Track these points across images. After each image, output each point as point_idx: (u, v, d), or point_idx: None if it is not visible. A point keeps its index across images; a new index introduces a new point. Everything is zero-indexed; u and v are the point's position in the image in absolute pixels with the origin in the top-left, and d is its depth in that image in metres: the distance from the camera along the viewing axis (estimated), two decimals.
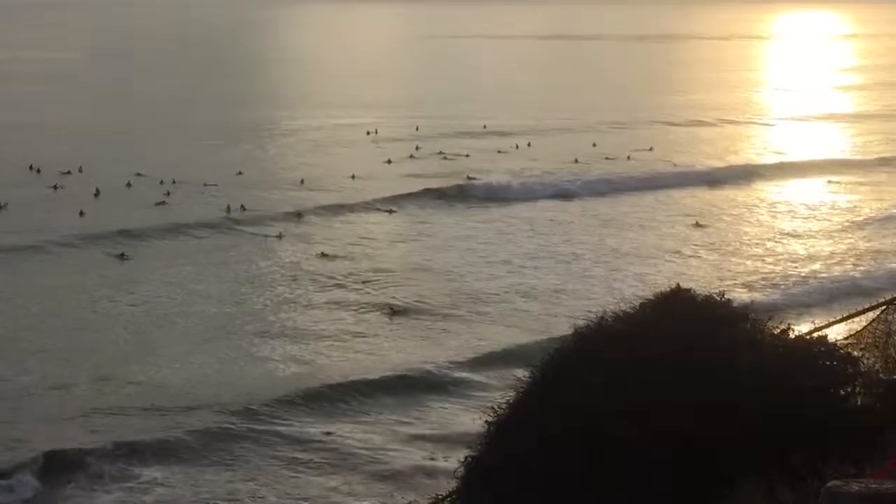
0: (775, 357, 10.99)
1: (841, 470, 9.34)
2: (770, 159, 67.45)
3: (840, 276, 39.87)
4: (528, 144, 69.76)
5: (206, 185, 53.81)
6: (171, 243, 43.71)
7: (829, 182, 59.64)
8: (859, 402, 11.03)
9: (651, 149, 68.92)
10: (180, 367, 29.91)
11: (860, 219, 50.07)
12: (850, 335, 12.63)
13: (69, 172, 56.09)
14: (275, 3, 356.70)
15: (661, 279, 34.97)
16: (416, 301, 36.13)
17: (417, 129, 74.28)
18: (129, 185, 53.66)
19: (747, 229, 47.89)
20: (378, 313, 34.93)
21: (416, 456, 24.80)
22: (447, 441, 24.70)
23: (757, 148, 72.86)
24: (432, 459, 24.43)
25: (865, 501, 7.51)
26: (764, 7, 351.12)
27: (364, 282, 38.38)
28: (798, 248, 44.36)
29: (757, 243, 45.01)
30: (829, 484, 7.78)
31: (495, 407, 11.86)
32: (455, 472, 12.36)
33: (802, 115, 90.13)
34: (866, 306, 13.31)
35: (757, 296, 36.28)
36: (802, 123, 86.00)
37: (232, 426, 25.99)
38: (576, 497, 10.50)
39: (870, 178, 61.83)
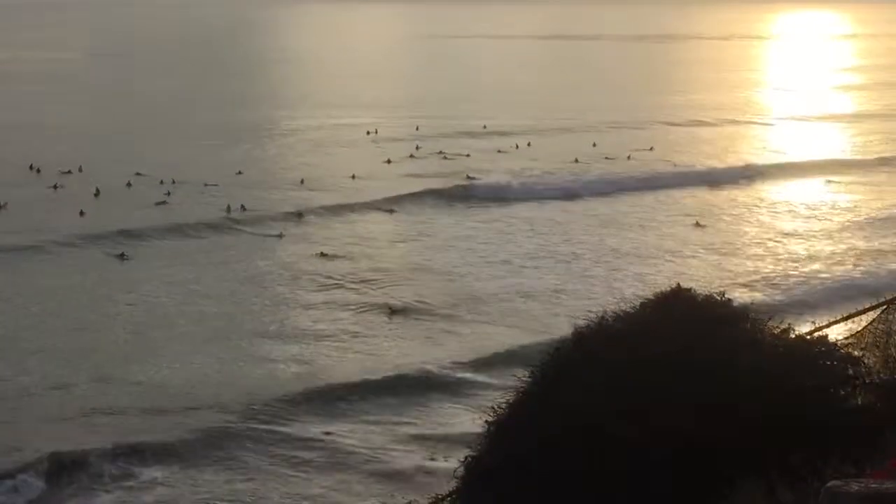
0: (775, 357, 10.99)
1: (841, 470, 9.34)
2: (770, 159, 67.43)
3: (840, 276, 39.87)
4: (528, 144, 69.77)
5: (206, 184, 53.82)
6: (171, 243, 43.71)
7: (829, 182, 59.65)
8: (859, 402, 11.02)
9: (651, 149, 68.93)
10: (180, 366, 29.91)
11: (860, 219, 50.08)
12: (851, 335, 12.62)
13: (69, 172, 56.11)
14: (275, 3, 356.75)
15: (661, 279, 34.96)
16: (416, 301, 36.14)
17: (417, 129, 74.29)
18: (129, 184, 53.67)
19: (747, 229, 47.90)
20: (378, 313, 34.94)
21: (416, 456, 24.80)
22: (447, 441, 24.70)
23: (757, 148, 72.85)
24: (432, 459, 24.43)
25: (865, 501, 7.50)
26: (764, 7, 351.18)
27: (364, 281, 38.38)
28: (798, 248, 44.36)
29: (757, 243, 45.02)
30: (829, 484, 7.78)
31: (495, 407, 11.86)
32: (455, 472, 12.35)
33: (802, 115, 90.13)
34: (866, 306, 13.29)
35: (757, 296, 36.32)
36: (802, 123, 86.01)
37: (232, 426, 26.00)
38: (576, 497, 10.50)
39: (870, 178, 61.83)
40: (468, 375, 29.54)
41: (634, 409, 10.42)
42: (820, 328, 12.80)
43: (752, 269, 40.93)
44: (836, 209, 52.30)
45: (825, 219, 50.01)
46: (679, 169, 62.56)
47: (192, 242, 44.22)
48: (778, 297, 36.61)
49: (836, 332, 12.92)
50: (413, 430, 26.27)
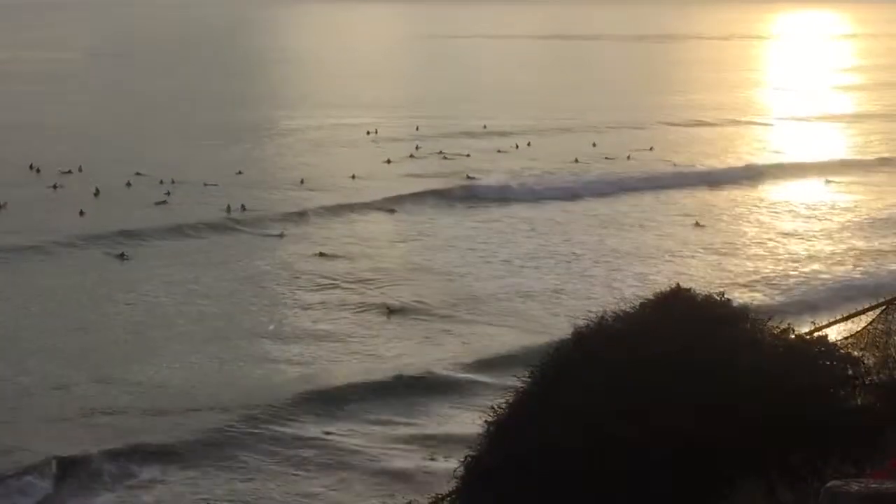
0: (775, 357, 11.00)
1: (841, 470, 9.34)
2: (770, 159, 67.39)
3: (840, 276, 39.85)
4: (528, 144, 69.76)
5: (206, 184, 53.81)
6: (171, 243, 43.69)
7: (829, 182, 59.63)
8: (859, 402, 11.03)
9: (651, 149, 68.92)
10: (180, 366, 29.90)
11: (860, 219, 50.06)
12: (850, 335, 12.62)
13: (69, 172, 56.11)
14: (275, 3, 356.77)
15: (661, 279, 34.97)
16: (415, 301, 36.12)
17: (417, 129, 74.29)
18: (128, 184, 53.66)
19: (747, 229, 47.88)
20: (378, 313, 34.92)
21: (416, 456, 24.79)
22: (447, 441, 24.68)
23: (757, 148, 72.82)
24: (432, 459, 24.42)
25: (865, 501, 7.51)
26: (764, 7, 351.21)
27: (364, 282, 38.37)
28: (798, 248, 44.34)
29: (757, 243, 45.00)
30: (829, 484, 7.78)
31: (495, 407, 11.86)
32: (455, 471, 12.36)
33: (802, 115, 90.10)
34: (866, 306, 13.29)
35: (757, 296, 36.33)
36: (802, 123, 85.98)
37: (231, 426, 25.99)
38: (576, 497, 10.50)
39: (870, 178, 61.82)
40: (468, 375, 29.51)
41: (634, 409, 10.42)
42: (820, 328, 12.81)
43: (751, 269, 40.91)
44: (836, 209, 52.29)
45: (825, 219, 50.00)
46: (679, 169, 62.54)
47: (192, 242, 44.21)
48: (778, 298, 36.61)
49: (836, 333, 12.92)
50: (413, 430, 26.26)
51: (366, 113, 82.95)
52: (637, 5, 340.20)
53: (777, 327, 11.65)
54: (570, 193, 55.61)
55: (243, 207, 49.13)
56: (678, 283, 12.17)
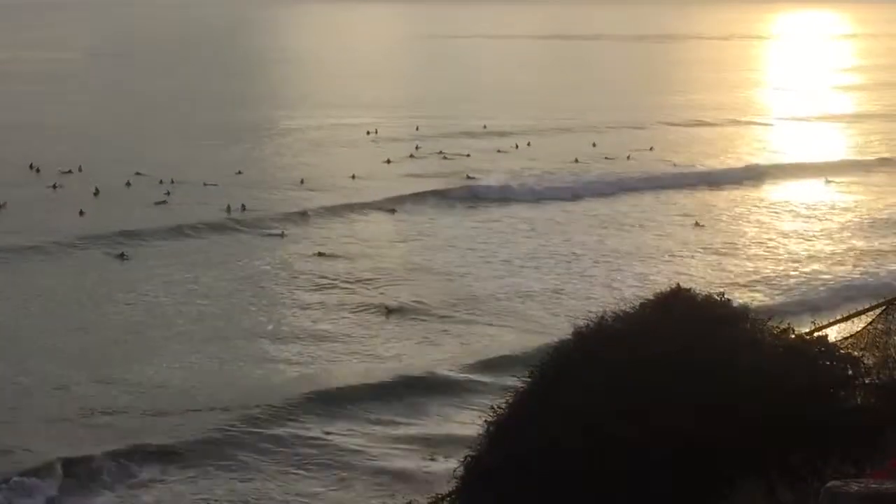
0: (775, 357, 11.00)
1: (841, 470, 9.35)
2: (770, 159, 67.38)
3: (840, 276, 39.85)
4: (528, 144, 69.75)
5: (205, 184, 53.80)
6: (171, 243, 43.68)
7: (829, 182, 59.62)
8: (859, 402, 11.03)
9: (651, 149, 68.92)
10: (180, 367, 29.90)
11: (860, 219, 50.06)
12: (850, 335, 12.62)
13: (69, 172, 56.10)
14: (275, 3, 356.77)
15: (661, 279, 34.98)
16: (415, 301, 36.12)
17: (417, 129, 74.28)
18: (128, 184, 53.65)
19: (747, 229, 47.88)
20: (377, 314, 34.91)
21: (416, 456, 24.79)
22: (447, 441, 24.68)
23: (757, 148, 72.82)
24: (432, 459, 24.42)
25: (865, 501, 7.51)
26: (764, 7, 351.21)
27: (363, 282, 38.36)
28: (798, 248, 44.34)
29: (757, 243, 45.00)
30: (829, 484, 7.78)
31: (495, 407, 11.86)
32: (455, 471, 12.36)
33: (802, 115, 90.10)
34: (866, 306, 13.29)
35: (757, 296, 36.34)
36: (802, 123, 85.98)
37: (231, 426, 25.98)
38: (576, 497, 10.50)
39: (870, 178, 61.82)
40: (468, 375, 29.50)
41: (634, 409, 10.43)
42: (820, 328, 12.80)
43: (751, 269, 40.91)
44: (836, 209, 52.29)
45: (825, 219, 50.00)
46: (679, 169, 62.53)
47: (192, 242, 44.20)
48: (778, 298, 36.61)
49: (836, 333, 12.92)
50: (413, 430, 26.26)
51: (366, 113, 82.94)
52: (637, 5, 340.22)
53: (777, 327, 11.66)
54: (570, 193, 55.60)
55: (243, 207, 49.13)
56: (678, 283, 12.17)
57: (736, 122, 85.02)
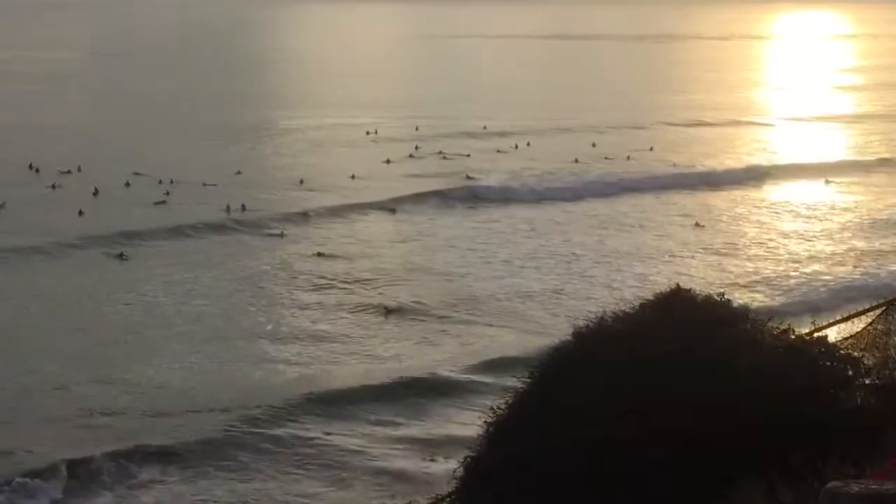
0: (775, 357, 11.00)
1: (841, 470, 9.35)
2: (770, 159, 67.36)
3: (841, 276, 39.84)
4: (528, 144, 69.74)
5: (205, 184, 53.77)
6: (171, 243, 43.66)
7: (829, 182, 59.61)
8: (859, 403, 11.03)
9: (651, 149, 68.91)
10: (179, 367, 29.89)
11: (860, 219, 50.05)
12: (851, 336, 12.62)
13: (68, 172, 56.07)
14: (275, 3, 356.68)
15: (660, 279, 34.97)
16: (414, 301, 36.10)
17: (417, 129, 74.26)
18: (127, 184, 53.62)
19: (747, 229, 47.88)
20: (377, 314, 34.90)
21: (416, 456, 24.78)
22: (447, 442, 24.68)
23: (757, 148, 72.79)
24: (432, 460, 24.42)
25: (865, 502, 7.50)
26: (764, 7, 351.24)
27: (363, 282, 38.35)
28: (798, 248, 44.34)
29: (757, 244, 44.99)
30: (829, 484, 7.78)
31: (495, 407, 11.86)
32: (455, 472, 12.35)
33: (802, 115, 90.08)
34: (866, 306, 13.30)
35: (757, 296, 36.33)
36: (802, 123, 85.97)
37: (231, 426, 25.97)
38: (576, 497, 10.50)
39: (870, 178, 61.82)
40: (468, 376, 29.48)
41: (634, 410, 10.42)
42: (820, 329, 12.81)
43: (751, 269, 40.90)
44: (837, 210, 52.29)
45: (825, 219, 49.99)
46: (679, 169, 62.51)
47: (192, 242, 44.19)
48: (778, 298, 36.60)
49: (836, 333, 12.92)
50: (413, 431, 26.25)
51: (366, 113, 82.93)
52: (637, 5, 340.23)
53: (777, 328, 11.66)
54: (570, 194, 55.58)
55: (243, 207, 49.11)
56: (678, 284, 12.17)
57: (736, 123, 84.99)
